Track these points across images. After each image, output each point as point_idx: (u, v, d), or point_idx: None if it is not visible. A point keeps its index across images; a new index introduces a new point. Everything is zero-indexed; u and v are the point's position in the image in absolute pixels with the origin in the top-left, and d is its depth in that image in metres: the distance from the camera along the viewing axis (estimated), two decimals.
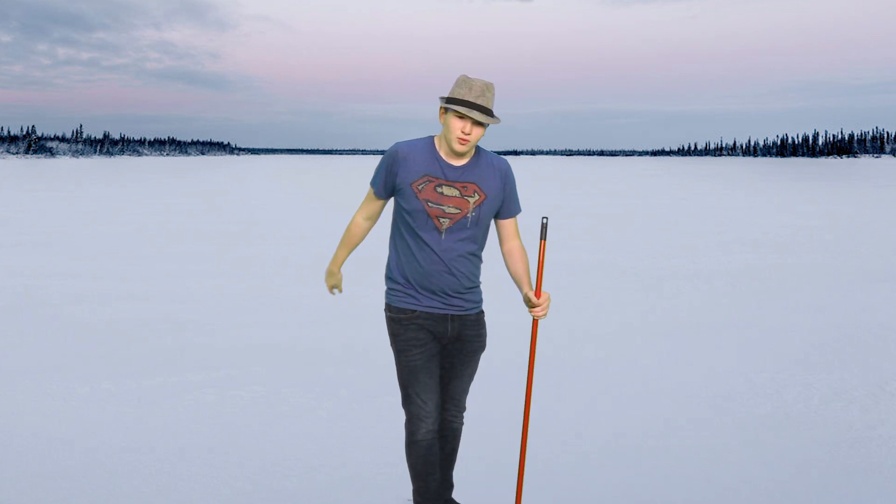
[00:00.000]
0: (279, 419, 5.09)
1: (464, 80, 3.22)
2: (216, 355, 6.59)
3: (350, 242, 3.56)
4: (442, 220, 3.25)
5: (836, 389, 5.75)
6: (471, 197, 3.27)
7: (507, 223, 3.45)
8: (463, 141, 3.19)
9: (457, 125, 3.18)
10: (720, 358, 6.58)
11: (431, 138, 3.35)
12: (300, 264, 11.96)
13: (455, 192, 3.26)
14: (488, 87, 3.21)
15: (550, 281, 10.18)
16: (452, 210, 3.25)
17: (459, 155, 3.27)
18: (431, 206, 3.24)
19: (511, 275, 3.47)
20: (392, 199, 3.41)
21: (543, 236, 3.42)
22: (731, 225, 18.59)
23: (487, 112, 3.20)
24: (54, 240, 15.06)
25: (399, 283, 3.37)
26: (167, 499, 3.97)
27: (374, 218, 3.51)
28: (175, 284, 10.08)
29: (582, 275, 11.00)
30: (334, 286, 3.69)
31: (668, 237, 15.88)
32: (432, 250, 3.26)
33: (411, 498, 3.87)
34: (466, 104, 3.17)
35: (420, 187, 3.24)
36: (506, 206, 3.41)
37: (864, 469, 4.38)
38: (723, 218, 20.68)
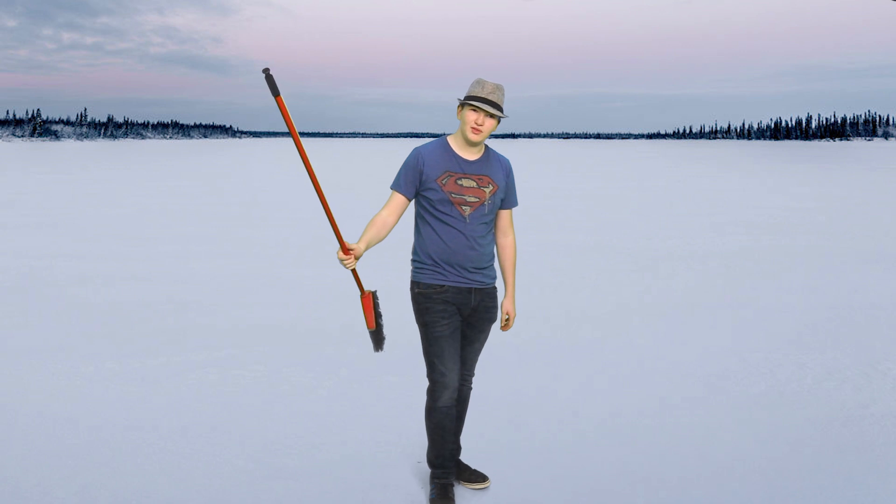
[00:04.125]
0: (280, 398, 5.15)
1: (478, 82, 3.71)
2: (218, 335, 6.64)
3: (375, 227, 3.73)
4: (464, 207, 3.70)
5: (829, 369, 5.82)
6: (486, 187, 3.75)
7: (504, 213, 3.94)
8: (476, 131, 3.67)
9: (471, 117, 3.67)
10: (714, 338, 6.65)
11: (444, 138, 3.83)
12: (301, 245, 12.00)
13: (473, 184, 3.73)
14: (499, 88, 3.72)
15: (547, 262, 10.26)
16: (472, 199, 3.71)
17: (473, 146, 3.75)
18: (455, 197, 3.69)
19: (499, 265, 3.99)
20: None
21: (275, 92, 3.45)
22: (725, 207, 18.63)
23: (497, 108, 3.67)
24: (59, 221, 15.07)
25: (427, 263, 3.76)
26: (170, 476, 4.03)
27: (395, 215, 3.79)
28: (177, 265, 10.12)
29: (578, 256, 11.05)
30: (352, 250, 3.63)
31: (663, 219, 15.92)
32: (458, 231, 3.69)
33: (424, 460, 4.24)
34: (480, 100, 3.65)
35: (444, 181, 3.69)
36: (507, 197, 3.90)
37: (857, 447, 4.45)
38: (717, 200, 20.71)
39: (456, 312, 3.77)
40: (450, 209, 3.68)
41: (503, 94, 3.72)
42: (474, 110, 3.67)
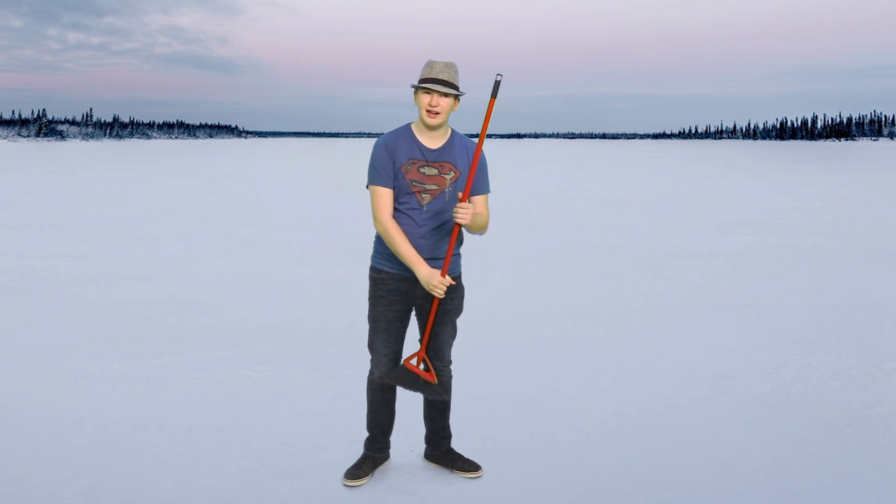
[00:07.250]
0: (285, 398, 5.16)
1: (427, 63, 3.70)
2: (222, 335, 6.65)
3: (404, 236, 3.73)
4: (423, 195, 3.72)
5: (834, 369, 5.82)
6: (447, 175, 3.76)
7: (478, 200, 3.84)
8: (432, 114, 3.67)
9: (425, 100, 3.67)
10: (719, 338, 6.65)
11: (409, 126, 3.81)
12: (304, 245, 12.02)
13: (434, 172, 3.74)
14: (449, 65, 3.68)
15: (551, 262, 10.26)
16: (432, 187, 3.73)
17: (434, 130, 3.73)
18: (415, 185, 3.71)
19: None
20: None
21: (494, 94, 3.64)
22: (730, 207, 18.61)
23: (449, 85, 3.66)
24: (62, 221, 15.11)
25: (381, 248, 3.84)
26: (175, 476, 4.04)
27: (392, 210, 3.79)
28: (181, 265, 10.14)
29: (583, 255, 11.05)
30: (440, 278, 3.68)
31: (667, 219, 15.91)
32: (413, 220, 3.73)
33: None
34: (430, 81, 3.65)
35: (407, 169, 3.71)
36: (475, 182, 3.81)
37: (862, 447, 4.45)
38: (722, 200, 20.69)
39: (400, 300, 3.83)
40: (409, 198, 3.71)
41: (456, 72, 3.70)
42: (427, 93, 3.66)
